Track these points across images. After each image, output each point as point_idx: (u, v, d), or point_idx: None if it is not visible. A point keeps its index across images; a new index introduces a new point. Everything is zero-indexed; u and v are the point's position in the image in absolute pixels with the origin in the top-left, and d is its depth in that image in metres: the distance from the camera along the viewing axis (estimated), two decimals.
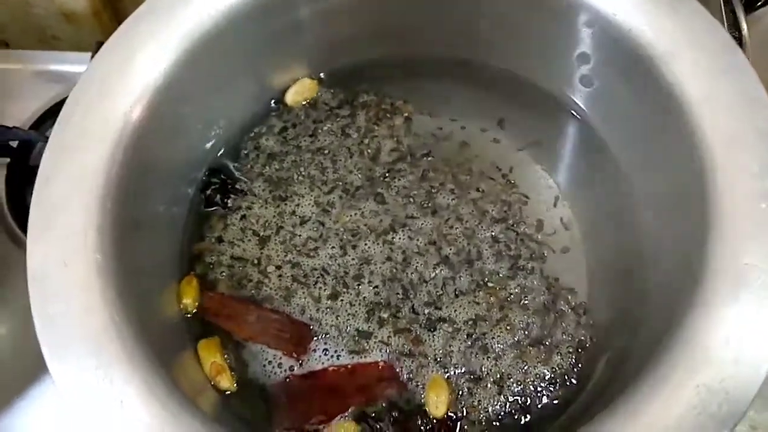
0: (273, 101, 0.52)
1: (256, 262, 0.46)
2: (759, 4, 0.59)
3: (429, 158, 0.50)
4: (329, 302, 0.44)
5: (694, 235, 0.35)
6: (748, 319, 0.31)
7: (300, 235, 0.47)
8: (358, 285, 0.44)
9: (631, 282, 0.42)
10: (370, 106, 0.52)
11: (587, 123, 0.50)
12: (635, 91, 0.42)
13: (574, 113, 0.50)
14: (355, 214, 0.47)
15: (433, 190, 0.48)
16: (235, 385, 0.41)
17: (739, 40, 0.57)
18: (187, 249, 0.46)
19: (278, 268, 0.45)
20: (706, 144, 0.36)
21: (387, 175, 0.49)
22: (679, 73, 0.37)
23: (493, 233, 0.46)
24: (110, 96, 0.39)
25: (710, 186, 0.35)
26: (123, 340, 0.34)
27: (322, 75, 0.53)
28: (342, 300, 0.44)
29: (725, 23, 0.55)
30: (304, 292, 0.44)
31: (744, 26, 0.57)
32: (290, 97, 0.52)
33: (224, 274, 0.45)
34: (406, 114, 0.52)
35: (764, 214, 0.33)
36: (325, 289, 0.44)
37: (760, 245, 0.32)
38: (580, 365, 0.42)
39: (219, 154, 0.50)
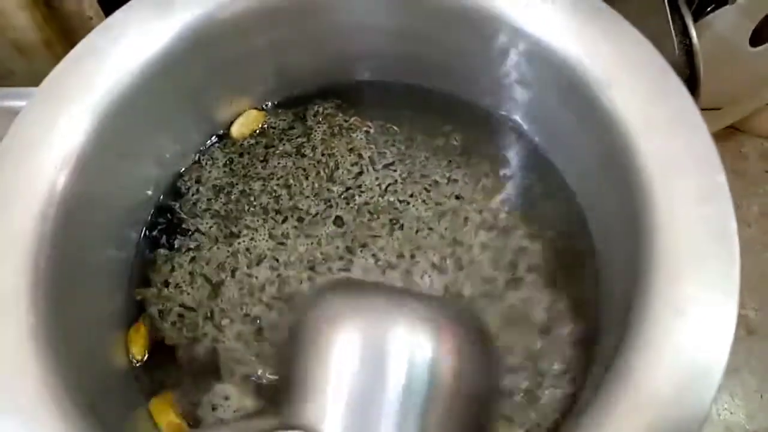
0: (216, 136, 0.51)
1: (209, 314, 0.43)
2: (708, 10, 0.59)
3: (394, 170, 0.48)
4: None
5: (638, 265, 0.34)
6: (688, 355, 0.30)
7: (256, 277, 0.45)
8: None
9: (585, 316, 0.41)
10: (324, 116, 0.51)
11: (537, 149, 0.48)
12: (576, 118, 0.41)
13: (524, 137, 0.49)
14: (312, 243, 0.46)
15: (400, 202, 0.46)
16: None
17: (689, 47, 0.57)
18: (134, 297, 0.45)
19: (232, 321, 0.43)
20: (647, 171, 0.35)
21: (346, 192, 0.47)
22: (617, 100, 0.37)
23: (481, 240, 0.44)
24: (40, 150, 0.38)
25: (650, 213, 0.34)
26: (62, 410, 0.32)
27: (266, 105, 0.52)
28: None
29: (673, 31, 0.55)
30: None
31: (693, 33, 0.57)
32: (236, 130, 0.51)
33: (176, 325, 0.44)
34: (365, 129, 0.50)
35: (703, 242, 0.32)
36: None
37: (699, 275, 0.32)
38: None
39: (161, 195, 0.48)
